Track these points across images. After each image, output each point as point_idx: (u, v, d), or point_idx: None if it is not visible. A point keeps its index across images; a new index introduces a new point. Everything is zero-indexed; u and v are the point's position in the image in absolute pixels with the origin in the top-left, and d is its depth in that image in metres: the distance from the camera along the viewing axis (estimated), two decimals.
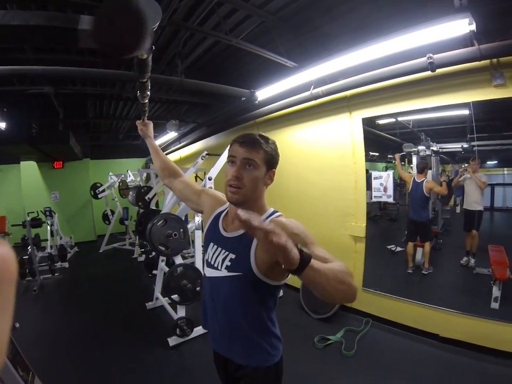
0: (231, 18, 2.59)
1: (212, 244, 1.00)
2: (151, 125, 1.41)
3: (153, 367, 2.29)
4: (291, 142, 3.60)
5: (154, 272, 3.60)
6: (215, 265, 0.96)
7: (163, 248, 2.58)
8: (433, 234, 3.16)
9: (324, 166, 3.12)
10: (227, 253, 0.94)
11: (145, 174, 5.92)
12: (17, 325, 2.25)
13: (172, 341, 2.56)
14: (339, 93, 2.69)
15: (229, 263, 0.93)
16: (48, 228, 5.37)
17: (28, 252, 4.21)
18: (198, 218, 2.90)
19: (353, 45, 2.16)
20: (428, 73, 2.11)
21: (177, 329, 2.57)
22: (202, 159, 3.05)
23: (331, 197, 3.06)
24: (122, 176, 6.51)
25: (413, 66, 2.17)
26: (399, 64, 2.24)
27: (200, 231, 2.84)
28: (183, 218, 2.92)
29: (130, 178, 6.41)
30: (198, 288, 2.56)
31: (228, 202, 0.95)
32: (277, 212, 0.95)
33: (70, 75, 2.87)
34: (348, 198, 2.90)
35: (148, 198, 4.43)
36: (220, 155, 3.11)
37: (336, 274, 0.65)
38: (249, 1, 2.35)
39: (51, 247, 5.34)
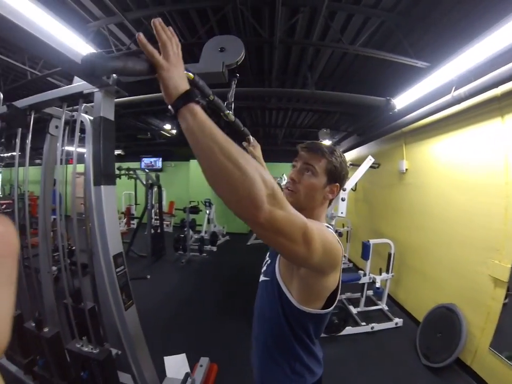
0: (350, 25, 2.77)
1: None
2: (259, 147, 1.60)
3: None
4: (431, 153, 3.21)
5: None
6: (262, 270, 1.01)
7: None
8: None
9: (467, 184, 2.58)
10: (268, 259, 0.99)
11: None
12: (149, 276, 3.40)
13: None
14: (487, 90, 2.19)
15: (265, 267, 0.98)
16: (206, 215, 6.98)
17: (184, 232, 5.87)
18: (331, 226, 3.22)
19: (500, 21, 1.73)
20: None
21: None
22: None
23: (473, 223, 2.49)
24: (278, 179, 7.32)
25: None
26: None
27: None
28: None
29: (285, 181, 7.39)
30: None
31: None
32: (328, 227, 0.88)
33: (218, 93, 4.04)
34: (494, 228, 2.27)
35: None
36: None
37: (229, 145, 0.52)
38: (360, 2, 2.45)
39: (205, 232, 6.97)
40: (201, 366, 1.99)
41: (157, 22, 0.59)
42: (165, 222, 8.30)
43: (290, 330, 0.87)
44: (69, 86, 1.64)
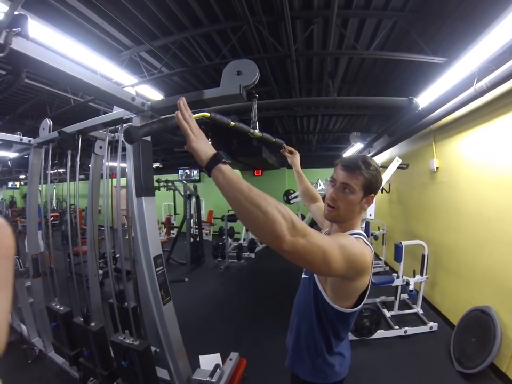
0: (364, 30, 2.89)
1: None
2: (297, 155, 1.66)
3: None
4: (462, 150, 3.15)
5: None
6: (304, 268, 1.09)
7: None
8: None
9: (502, 180, 2.53)
10: None
11: None
12: (186, 279, 3.69)
13: None
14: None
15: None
16: None
17: (223, 240, 6.16)
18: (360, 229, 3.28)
19: None
20: None
21: None
22: None
23: (510, 221, 2.43)
24: (314, 184, 7.23)
25: None
26: None
27: None
28: None
29: (321, 187, 7.03)
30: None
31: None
32: (358, 233, 0.97)
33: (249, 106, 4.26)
34: None
35: None
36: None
37: (252, 194, 0.65)
38: (370, 6, 2.55)
39: (244, 239, 7.27)
40: (230, 359, 2.19)
41: (182, 103, 0.77)
42: (204, 231, 8.84)
43: (319, 324, 1.00)
44: (111, 113, 1.97)
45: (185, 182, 7.03)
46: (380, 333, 3.00)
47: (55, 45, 2.52)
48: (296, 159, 1.66)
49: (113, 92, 1.56)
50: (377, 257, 5.94)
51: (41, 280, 2.65)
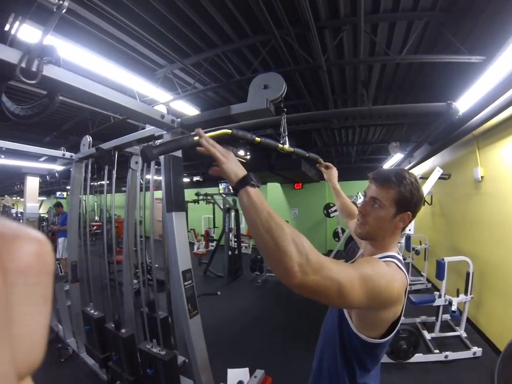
0: (395, 34, 2.79)
1: None
2: (333, 170, 1.60)
3: None
4: (509, 156, 2.87)
5: None
6: None
7: None
8: None
9: None
10: None
11: None
12: (219, 293, 3.74)
13: None
14: None
15: None
16: None
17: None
18: (400, 245, 3.14)
19: None
20: None
21: None
22: None
23: None
24: (354, 197, 7.05)
25: None
26: None
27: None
28: None
29: (361, 200, 6.93)
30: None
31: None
32: (391, 257, 0.87)
33: (288, 120, 4.25)
34: None
35: None
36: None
37: (270, 221, 0.64)
38: (398, 8, 2.46)
39: None
40: (255, 377, 2.15)
41: (200, 131, 0.78)
42: (244, 244, 9.05)
43: (343, 355, 0.90)
44: (143, 130, 2.09)
45: (224, 195, 7.14)
46: (418, 357, 2.78)
47: (98, 70, 2.80)
48: (332, 174, 1.60)
49: (142, 110, 1.66)
50: (418, 273, 5.60)
51: (78, 285, 2.83)
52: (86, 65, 2.69)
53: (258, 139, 1.27)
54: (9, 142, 2.46)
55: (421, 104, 3.24)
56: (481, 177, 3.35)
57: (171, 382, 1.91)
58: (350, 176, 9.52)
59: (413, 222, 2.95)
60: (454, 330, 3.26)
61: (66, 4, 1.13)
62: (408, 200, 0.88)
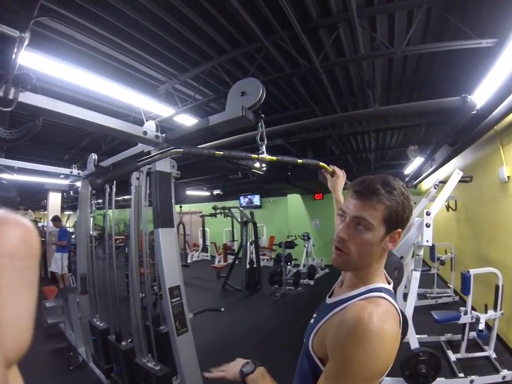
0: (396, 26, 2.65)
1: None
2: (340, 178, 1.32)
3: None
4: None
5: None
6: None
7: None
8: None
9: None
10: (314, 316, 0.85)
11: None
12: (223, 309, 3.73)
13: None
14: None
15: (308, 326, 0.84)
16: (304, 249, 7.22)
17: (281, 266, 6.09)
18: (418, 257, 2.76)
19: None
20: None
21: None
22: (435, 188, 3.07)
23: None
24: None
25: None
26: None
27: (419, 272, 2.71)
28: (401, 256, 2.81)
29: None
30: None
31: None
32: (382, 291, 0.71)
33: (294, 128, 4.12)
34: None
35: None
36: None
37: None
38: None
39: (304, 265, 7.09)
40: None
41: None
42: (265, 257, 9.18)
43: None
44: (134, 147, 2.16)
45: (241, 208, 7.20)
46: (440, 382, 2.53)
47: (105, 92, 3.04)
48: (338, 184, 1.31)
49: (124, 129, 1.73)
50: (445, 284, 5.20)
51: (87, 297, 2.95)
52: (95, 88, 2.94)
53: (219, 153, 1.23)
54: (19, 162, 2.68)
55: (431, 100, 3.03)
56: (508, 177, 3.05)
57: None
58: None
59: (430, 231, 2.78)
60: (483, 350, 2.95)
61: (27, 35, 1.21)
62: (399, 216, 0.70)
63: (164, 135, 1.94)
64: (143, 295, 2.39)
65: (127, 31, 2.65)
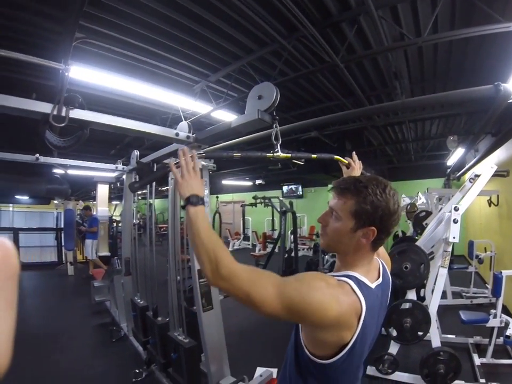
0: (420, 15, 2.59)
1: None
2: (356, 170, 1.38)
3: None
4: None
5: None
6: None
7: (395, 279, 2.48)
8: None
9: None
10: None
11: (436, 196, 5.47)
12: None
13: (370, 369, 2.65)
14: None
15: None
16: None
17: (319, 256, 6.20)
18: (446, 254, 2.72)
19: None
20: None
21: (380, 362, 2.60)
22: (470, 182, 2.95)
23: None
24: (414, 199, 6.63)
25: None
26: None
27: (446, 269, 2.70)
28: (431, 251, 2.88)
29: (421, 200, 6.36)
30: (420, 333, 2.51)
31: None
32: (349, 277, 0.80)
33: (326, 121, 4.17)
34: None
35: (426, 224, 4.16)
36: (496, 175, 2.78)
37: (196, 236, 0.81)
38: None
39: None
40: (260, 376, 2.28)
41: (181, 152, 0.96)
42: (304, 246, 9.37)
43: (300, 376, 0.86)
44: (169, 146, 2.43)
45: (281, 198, 7.37)
46: None
47: (143, 93, 3.41)
48: (353, 174, 1.35)
49: (159, 132, 1.99)
50: (484, 284, 4.95)
51: (131, 278, 3.37)
52: (136, 92, 3.35)
53: (237, 154, 1.41)
54: (71, 160, 3.14)
55: (462, 90, 2.89)
56: None
57: (190, 367, 2.18)
58: (410, 175, 8.81)
59: (458, 227, 2.71)
60: (511, 358, 2.84)
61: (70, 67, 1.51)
62: (369, 213, 0.79)
63: (194, 135, 2.17)
64: (180, 278, 2.69)
65: (159, 40, 2.95)
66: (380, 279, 0.89)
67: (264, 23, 2.41)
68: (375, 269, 0.91)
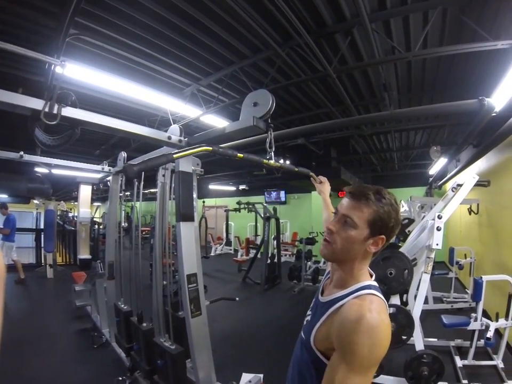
0: (412, 29, 2.70)
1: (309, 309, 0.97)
2: (327, 184, 1.72)
3: None
4: None
5: None
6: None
7: (380, 284, 2.73)
8: None
9: None
10: (310, 313, 0.94)
11: (418, 204, 5.66)
12: (237, 298, 3.91)
13: None
14: None
15: (305, 323, 0.94)
16: None
17: (301, 262, 6.27)
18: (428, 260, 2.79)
19: None
20: None
21: None
22: (452, 191, 3.02)
23: None
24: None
25: None
26: None
27: (429, 275, 2.78)
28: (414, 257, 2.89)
29: (403, 208, 6.25)
30: (404, 337, 2.52)
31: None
32: (371, 288, 0.80)
33: (314, 129, 4.28)
34: None
35: (408, 231, 4.33)
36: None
37: None
38: (406, 2, 2.37)
39: (324, 262, 7.13)
40: (249, 382, 2.28)
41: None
42: (287, 252, 9.40)
43: None
44: (159, 149, 2.41)
45: (264, 204, 7.43)
46: None
47: (133, 94, 3.35)
48: (325, 188, 1.71)
49: (151, 135, 1.97)
50: (463, 289, 5.16)
51: (114, 282, 3.29)
52: (126, 92, 3.29)
53: (240, 155, 1.42)
54: (55, 159, 3.05)
55: (447, 103, 3.05)
56: None
57: (177, 374, 2.15)
58: (394, 183, 9.09)
59: (441, 235, 2.81)
60: (491, 359, 2.95)
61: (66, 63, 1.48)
62: (385, 223, 0.79)
63: (186, 139, 2.17)
64: (165, 282, 2.66)
65: (154, 41, 2.93)
66: None
67: (260, 28, 2.43)
68: None
